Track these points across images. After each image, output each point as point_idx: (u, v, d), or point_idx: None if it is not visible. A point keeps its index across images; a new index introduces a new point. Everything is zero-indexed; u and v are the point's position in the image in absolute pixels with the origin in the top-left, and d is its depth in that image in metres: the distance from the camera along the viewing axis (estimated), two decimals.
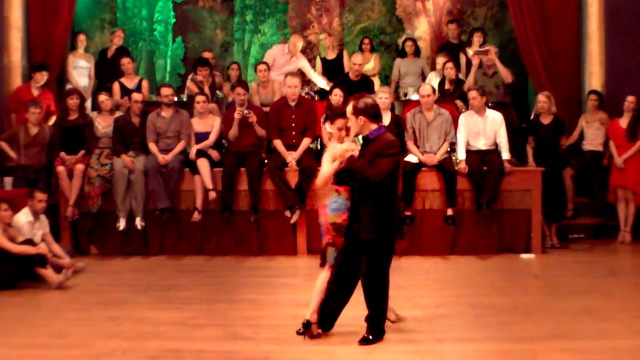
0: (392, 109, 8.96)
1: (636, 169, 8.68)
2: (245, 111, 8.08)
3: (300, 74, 9.47)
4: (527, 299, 6.15)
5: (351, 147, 4.64)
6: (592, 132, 9.12)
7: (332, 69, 10.03)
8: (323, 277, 4.89)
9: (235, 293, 6.47)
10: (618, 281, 6.87)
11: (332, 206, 4.76)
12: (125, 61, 9.35)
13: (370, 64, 10.27)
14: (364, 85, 9.25)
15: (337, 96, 8.25)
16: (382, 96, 8.05)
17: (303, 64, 9.83)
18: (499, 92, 8.90)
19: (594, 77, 9.52)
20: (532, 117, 9.16)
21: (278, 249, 8.25)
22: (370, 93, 8.70)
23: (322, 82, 9.69)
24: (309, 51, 11.19)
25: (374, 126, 4.70)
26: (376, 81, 10.16)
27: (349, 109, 4.68)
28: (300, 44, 9.82)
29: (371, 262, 4.75)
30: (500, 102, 8.85)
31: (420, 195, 8.12)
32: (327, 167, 4.74)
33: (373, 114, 4.69)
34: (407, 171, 7.93)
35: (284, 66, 9.51)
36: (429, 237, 8.21)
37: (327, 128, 4.76)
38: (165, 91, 8.40)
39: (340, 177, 4.69)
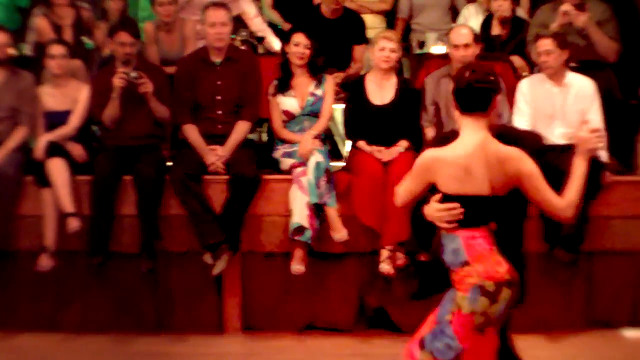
0: (399, 71, 9.06)
1: None
2: (133, 74, 8.18)
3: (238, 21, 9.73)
4: None
5: None
6: None
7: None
8: None
9: None
10: None
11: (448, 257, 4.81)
12: None
13: None
14: (347, 27, 9.40)
15: (299, 46, 8.34)
16: (386, 47, 8.32)
17: (247, 9, 10.01)
18: (590, 44, 8.85)
19: None
20: None
21: (191, 323, 8.35)
22: (360, 42, 9.31)
23: (276, 43, 9.82)
24: None
25: None
26: (378, 22, 10.32)
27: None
28: None
29: None
30: (592, 61, 8.85)
31: None
32: None
33: None
34: None
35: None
36: None
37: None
38: None
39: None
